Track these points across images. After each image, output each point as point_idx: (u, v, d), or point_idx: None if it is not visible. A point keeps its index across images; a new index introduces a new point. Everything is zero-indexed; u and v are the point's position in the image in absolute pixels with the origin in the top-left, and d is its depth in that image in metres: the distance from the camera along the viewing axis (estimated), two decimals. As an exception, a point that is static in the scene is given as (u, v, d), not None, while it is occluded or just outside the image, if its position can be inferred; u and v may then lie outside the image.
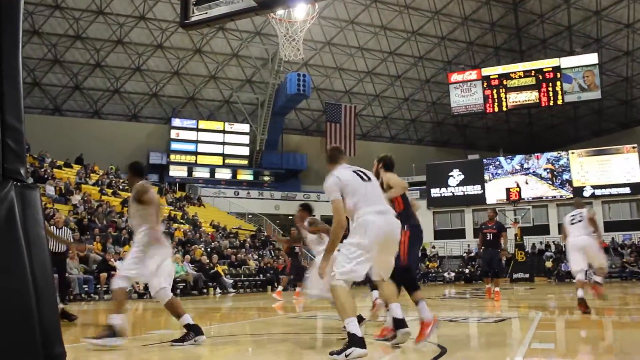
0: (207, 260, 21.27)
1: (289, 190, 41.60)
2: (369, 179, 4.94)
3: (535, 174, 38.47)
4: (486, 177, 39.16)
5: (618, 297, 14.76)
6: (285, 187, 42.41)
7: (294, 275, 15.71)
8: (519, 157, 39.22)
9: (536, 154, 39.11)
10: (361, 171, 4.99)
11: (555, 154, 38.72)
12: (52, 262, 2.81)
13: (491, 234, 13.12)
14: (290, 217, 42.67)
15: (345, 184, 4.79)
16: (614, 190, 36.57)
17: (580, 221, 9.24)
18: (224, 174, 42.70)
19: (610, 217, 36.94)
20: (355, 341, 4.26)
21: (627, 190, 36.24)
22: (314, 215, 8.62)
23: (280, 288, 15.31)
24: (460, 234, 39.24)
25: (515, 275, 30.86)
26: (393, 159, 6.38)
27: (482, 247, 13.41)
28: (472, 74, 42.18)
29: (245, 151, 42.90)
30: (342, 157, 5.13)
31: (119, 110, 41.46)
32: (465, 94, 42.30)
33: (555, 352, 5.39)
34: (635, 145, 36.73)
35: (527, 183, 37.99)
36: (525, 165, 38.78)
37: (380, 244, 4.62)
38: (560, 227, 10.51)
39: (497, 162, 39.50)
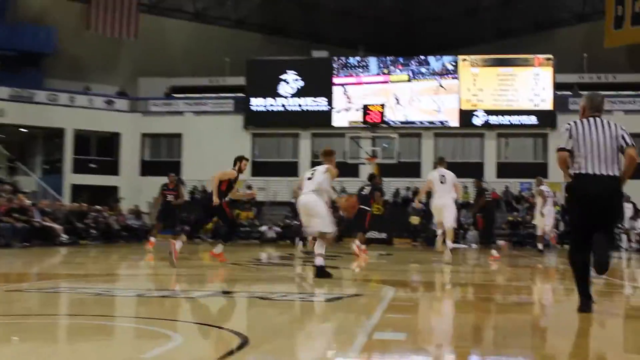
0: None
1: (23, 86, 39.96)
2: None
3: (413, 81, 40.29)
4: (337, 80, 40.10)
5: (505, 269, 16.07)
6: (19, 80, 40.60)
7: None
8: (389, 60, 40.58)
9: (414, 57, 40.73)
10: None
11: (449, 58, 40.58)
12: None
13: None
14: (23, 130, 41.08)
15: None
16: (516, 119, 39.35)
17: None
18: None
19: (507, 157, 39.76)
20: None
21: (532, 120, 39.19)
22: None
23: None
24: (290, 168, 39.95)
25: (367, 235, 32.00)
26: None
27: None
28: None
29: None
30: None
31: None
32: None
33: (406, 344, 5.71)
34: (551, 56, 39.51)
35: (397, 100, 39.58)
36: (400, 69, 40.26)
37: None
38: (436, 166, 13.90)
39: (358, 62, 40.61)
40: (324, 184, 11.67)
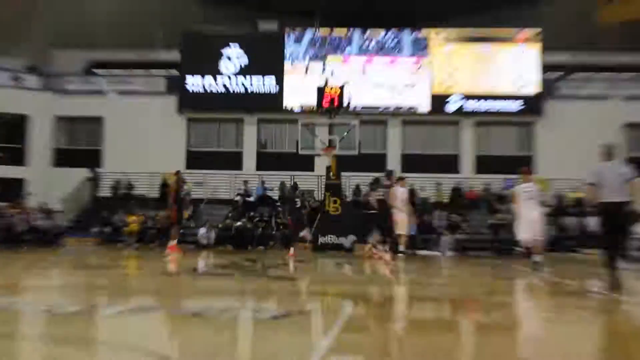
0: None
1: None
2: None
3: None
4: (290, 62, 39.69)
5: (488, 281, 15.86)
6: None
7: None
8: (357, 33, 40.17)
9: (377, 29, 40.33)
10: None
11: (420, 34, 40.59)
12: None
13: None
14: None
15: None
16: (497, 105, 39.02)
17: None
18: None
19: (487, 149, 39.40)
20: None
21: (517, 106, 38.86)
22: None
23: None
24: (233, 160, 39.68)
25: (321, 240, 31.45)
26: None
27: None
28: None
29: None
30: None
31: None
32: None
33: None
34: (540, 30, 39.15)
35: (364, 73, 39.14)
36: (363, 44, 40.04)
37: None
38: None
39: (313, 36, 40.33)
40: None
